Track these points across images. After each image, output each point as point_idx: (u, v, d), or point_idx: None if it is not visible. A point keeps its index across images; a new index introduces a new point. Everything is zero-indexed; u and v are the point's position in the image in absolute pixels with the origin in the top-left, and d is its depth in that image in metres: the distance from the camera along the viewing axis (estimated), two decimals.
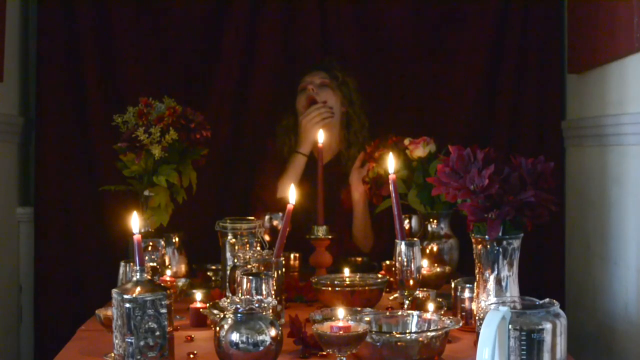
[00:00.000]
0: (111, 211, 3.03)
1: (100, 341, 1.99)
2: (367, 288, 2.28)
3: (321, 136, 2.74)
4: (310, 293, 2.43)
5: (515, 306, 1.67)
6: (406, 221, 2.79)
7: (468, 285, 2.10)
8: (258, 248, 2.31)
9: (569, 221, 3.19)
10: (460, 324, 1.89)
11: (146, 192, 2.50)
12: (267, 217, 2.82)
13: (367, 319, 1.83)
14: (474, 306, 1.98)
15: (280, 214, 2.81)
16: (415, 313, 1.94)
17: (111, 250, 3.04)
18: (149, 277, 1.74)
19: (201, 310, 2.15)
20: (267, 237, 2.56)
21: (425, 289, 2.24)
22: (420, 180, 2.66)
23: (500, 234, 1.82)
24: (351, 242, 3.01)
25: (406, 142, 2.74)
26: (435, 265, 2.58)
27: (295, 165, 3.00)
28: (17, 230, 3.17)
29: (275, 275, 2.08)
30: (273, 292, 1.95)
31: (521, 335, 1.54)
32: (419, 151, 2.69)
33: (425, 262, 2.55)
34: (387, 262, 2.64)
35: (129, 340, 1.67)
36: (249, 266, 2.09)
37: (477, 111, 3.29)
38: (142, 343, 1.67)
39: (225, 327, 1.67)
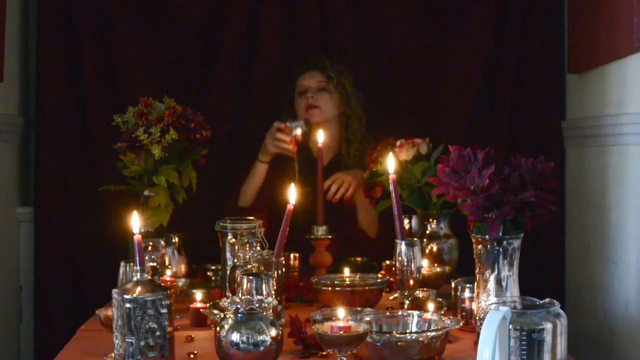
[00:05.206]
0: (111, 211, 3.03)
1: (101, 341, 1.99)
2: (367, 288, 2.28)
3: (321, 136, 2.75)
4: (310, 293, 2.43)
5: (515, 306, 1.67)
6: (406, 221, 2.79)
7: (468, 285, 2.10)
8: (258, 248, 2.31)
9: (569, 221, 3.19)
10: (461, 324, 1.89)
11: (146, 192, 2.49)
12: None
13: (367, 319, 1.83)
14: (474, 306, 1.98)
15: (302, 122, 2.92)
16: (416, 313, 1.94)
17: (111, 250, 3.04)
18: (149, 277, 1.74)
19: (201, 310, 2.15)
20: (293, 147, 2.83)
21: (425, 289, 2.24)
22: (409, 182, 2.66)
23: (500, 234, 1.82)
24: (356, 228, 3.02)
25: (397, 143, 2.74)
26: (435, 265, 2.58)
27: (256, 173, 3.01)
28: (17, 230, 3.17)
29: (275, 275, 2.08)
30: (273, 292, 1.95)
31: (522, 335, 1.54)
32: (403, 154, 2.70)
33: (425, 262, 2.55)
34: (387, 262, 2.64)
35: (130, 340, 1.67)
36: (249, 266, 2.09)
37: (477, 111, 3.29)
38: (142, 343, 1.67)
39: (226, 327, 1.67)
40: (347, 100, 3.07)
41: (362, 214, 3.02)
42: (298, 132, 2.91)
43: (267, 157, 3.00)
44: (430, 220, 2.69)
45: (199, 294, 2.29)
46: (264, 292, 1.91)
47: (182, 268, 2.68)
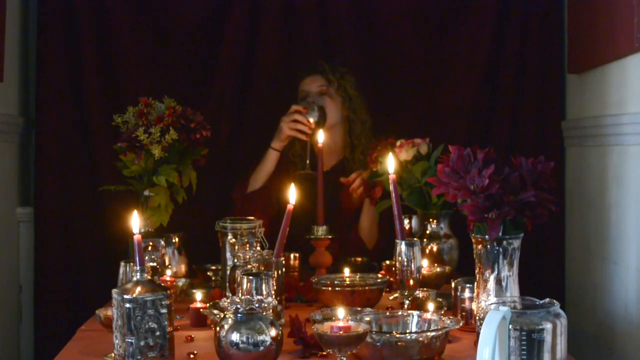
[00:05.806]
0: (111, 211, 3.03)
1: (100, 341, 1.99)
2: (367, 288, 2.28)
3: (321, 136, 2.74)
4: (310, 293, 2.43)
5: (515, 306, 1.67)
6: (406, 221, 2.80)
7: (468, 285, 2.10)
8: (258, 248, 2.31)
9: (569, 221, 3.19)
10: (461, 324, 1.89)
11: (146, 192, 2.50)
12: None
13: (367, 319, 1.83)
14: (474, 306, 1.98)
15: (315, 107, 2.93)
16: (415, 313, 1.94)
17: (111, 250, 3.04)
18: (149, 277, 1.74)
19: (201, 310, 2.15)
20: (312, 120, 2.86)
21: (425, 289, 2.24)
22: (409, 182, 2.66)
23: (500, 234, 1.82)
24: (357, 235, 3.01)
25: (397, 143, 2.74)
26: (435, 265, 2.58)
27: (267, 161, 2.99)
28: (17, 230, 3.17)
29: (275, 275, 2.08)
30: (273, 292, 1.95)
31: (521, 335, 1.54)
32: (403, 154, 2.70)
33: (425, 262, 2.55)
34: (387, 262, 2.64)
35: (129, 340, 1.67)
36: (249, 266, 2.09)
37: (477, 111, 3.29)
38: (142, 343, 1.67)
39: (226, 327, 1.67)
40: (350, 104, 3.06)
41: (364, 221, 3.01)
42: (312, 118, 2.91)
43: (281, 143, 2.97)
44: (430, 220, 2.69)
45: (199, 294, 2.29)
46: (264, 292, 1.91)
47: (182, 268, 2.68)
